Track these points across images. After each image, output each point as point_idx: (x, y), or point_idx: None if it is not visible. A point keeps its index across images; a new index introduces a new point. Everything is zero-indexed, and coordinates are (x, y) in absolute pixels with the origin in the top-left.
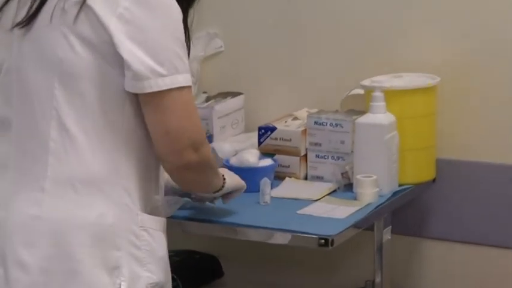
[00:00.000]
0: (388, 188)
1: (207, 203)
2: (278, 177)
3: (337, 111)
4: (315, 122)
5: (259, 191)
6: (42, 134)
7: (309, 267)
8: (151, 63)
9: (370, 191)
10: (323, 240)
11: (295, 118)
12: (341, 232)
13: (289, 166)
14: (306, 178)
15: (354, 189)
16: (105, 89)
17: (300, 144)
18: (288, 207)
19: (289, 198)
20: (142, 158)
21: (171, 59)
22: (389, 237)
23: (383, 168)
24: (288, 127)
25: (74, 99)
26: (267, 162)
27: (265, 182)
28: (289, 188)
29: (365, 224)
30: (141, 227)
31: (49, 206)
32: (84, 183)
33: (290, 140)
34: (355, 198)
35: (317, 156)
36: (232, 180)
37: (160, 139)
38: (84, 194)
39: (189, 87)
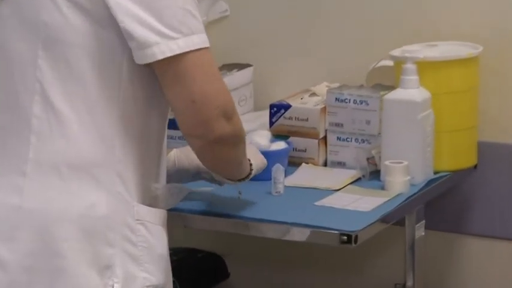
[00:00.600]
0: (422, 175)
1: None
2: (293, 163)
3: (362, 86)
4: (336, 99)
5: (270, 179)
6: (24, 109)
7: (329, 268)
8: (158, 25)
9: (401, 179)
10: (345, 237)
11: (313, 94)
12: (366, 227)
13: (305, 150)
14: (325, 164)
15: (382, 178)
16: (98, 58)
17: (319, 124)
18: (304, 198)
19: (305, 188)
20: (141, 138)
21: (183, 19)
22: (423, 234)
23: (416, 152)
24: (305, 104)
25: (60, 69)
26: (280, 145)
27: (278, 169)
28: (305, 176)
29: (394, 218)
30: (137, 220)
31: (31, 194)
32: (71, 167)
33: (307, 119)
34: (382, 188)
35: (338, 138)
36: (256, 161)
37: (186, 111)
38: (71, 180)
39: (207, 48)
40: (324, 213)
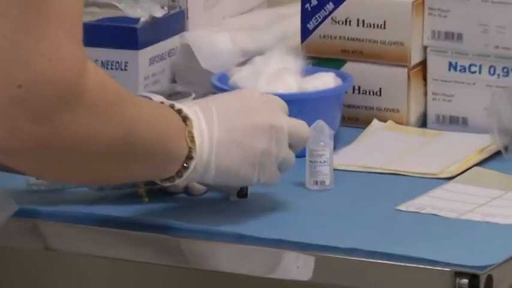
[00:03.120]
0: None
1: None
2: (353, 119)
3: None
4: None
5: (304, 155)
6: None
7: None
8: None
9: None
10: (464, 280)
11: None
12: (509, 260)
13: (380, 92)
14: (423, 123)
15: None
16: None
17: (409, 36)
18: (375, 197)
19: (378, 173)
20: None
21: None
22: None
23: None
24: None
25: None
26: (325, 81)
27: (320, 132)
28: (379, 148)
29: None
30: None
31: None
32: None
33: (383, 24)
34: None
35: (452, 66)
36: (231, 141)
37: None
38: None
39: None
40: (418, 228)
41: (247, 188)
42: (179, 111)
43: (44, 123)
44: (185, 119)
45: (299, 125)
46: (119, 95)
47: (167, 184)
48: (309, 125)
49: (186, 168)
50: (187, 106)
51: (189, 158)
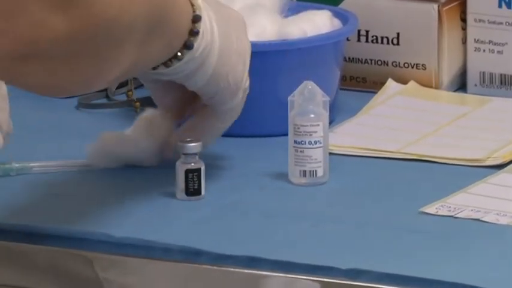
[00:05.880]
0: None
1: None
2: (359, 80)
3: None
4: None
5: (286, 133)
6: None
7: None
8: None
9: None
10: None
11: None
12: None
13: (397, 41)
14: (461, 86)
15: None
16: None
17: None
18: (390, 193)
19: (396, 159)
20: None
21: None
22: None
23: None
24: None
25: None
26: (314, 21)
27: (309, 98)
28: (397, 123)
29: None
30: None
31: None
32: None
33: None
34: None
35: (504, 0)
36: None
37: None
38: None
39: None
40: (452, 239)
41: (199, 181)
42: None
43: (66, 9)
44: None
45: None
46: None
47: (162, 71)
48: (294, 88)
49: (195, 34)
50: None
51: (195, 20)
